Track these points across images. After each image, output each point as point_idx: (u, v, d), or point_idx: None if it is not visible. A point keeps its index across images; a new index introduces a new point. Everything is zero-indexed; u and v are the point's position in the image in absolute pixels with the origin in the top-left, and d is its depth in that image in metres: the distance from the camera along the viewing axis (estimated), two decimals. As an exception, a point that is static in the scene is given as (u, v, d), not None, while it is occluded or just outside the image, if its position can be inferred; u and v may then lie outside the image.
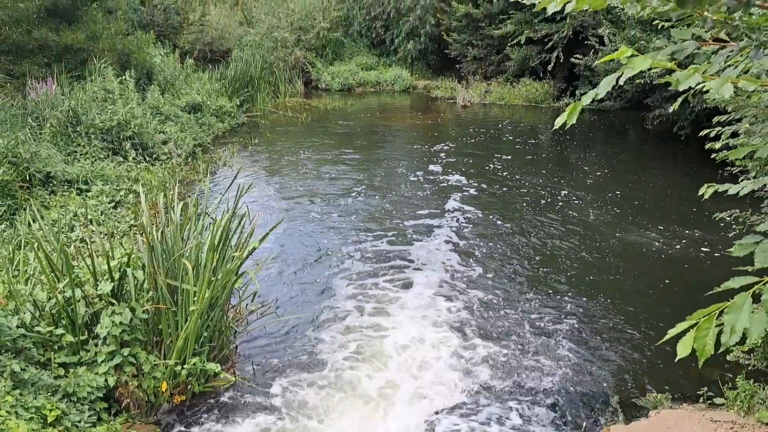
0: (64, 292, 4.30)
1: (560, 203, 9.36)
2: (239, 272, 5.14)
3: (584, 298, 6.37)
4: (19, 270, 5.21)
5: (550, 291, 6.54)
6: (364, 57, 22.89)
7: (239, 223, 5.41)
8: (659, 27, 3.12)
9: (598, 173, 11.26)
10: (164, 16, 18.97)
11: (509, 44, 18.72)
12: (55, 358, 4.12)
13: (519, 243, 7.82)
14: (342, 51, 23.14)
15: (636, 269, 7.13)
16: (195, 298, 4.44)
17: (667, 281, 6.79)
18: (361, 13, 23.24)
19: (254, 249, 5.30)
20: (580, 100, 1.91)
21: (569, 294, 6.47)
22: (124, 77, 11.16)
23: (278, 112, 16.72)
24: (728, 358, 5.13)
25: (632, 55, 1.93)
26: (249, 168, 11.15)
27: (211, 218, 5.40)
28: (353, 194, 9.72)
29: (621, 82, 2.00)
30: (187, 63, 15.73)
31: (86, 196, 7.93)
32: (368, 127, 15.24)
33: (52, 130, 9.21)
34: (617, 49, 1.94)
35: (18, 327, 4.00)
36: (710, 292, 2.29)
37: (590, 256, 7.45)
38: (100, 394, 4.13)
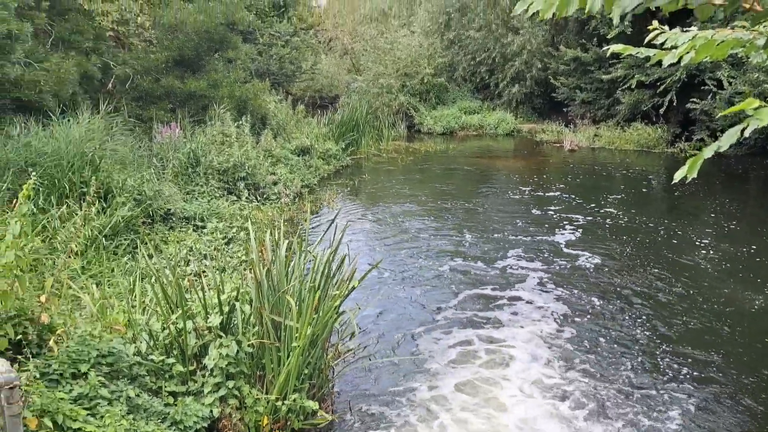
0: (177, 323, 4.51)
1: (672, 251, 8.81)
2: (339, 311, 5.20)
3: (694, 356, 5.89)
4: (137, 300, 5.55)
5: (658, 346, 6.10)
6: (467, 101, 23.04)
7: (340, 262, 5.49)
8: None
9: (717, 222, 10.54)
10: (279, 65, 20.06)
11: (620, 88, 18.21)
12: (165, 387, 4.30)
13: (630, 291, 7.41)
14: (445, 96, 23.43)
15: (753, 328, 6.53)
16: (297, 335, 4.52)
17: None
18: (465, 59, 23.50)
19: (354, 288, 5.35)
20: (694, 143, 1.81)
21: (678, 350, 6.00)
22: (240, 122, 11.88)
23: (381, 155, 17.08)
24: None
25: (759, 107, 1.80)
26: (351, 208, 11.40)
27: (313, 256, 5.52)
28: (453, 234, 9.66)
29: (747, 134, 1.88)
30: (298, 109, 16.52)
31: (202, 232, 8.38)
32: (470, 169, 15.21)
33: (174, 171, 9.89)
34: (738, 93, 1.83)
35: (134, 355, 4.23)
36: None
37: (702, 310, 6.92)
38: (205, 424, 4.24)
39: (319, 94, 25.57)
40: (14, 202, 3.96)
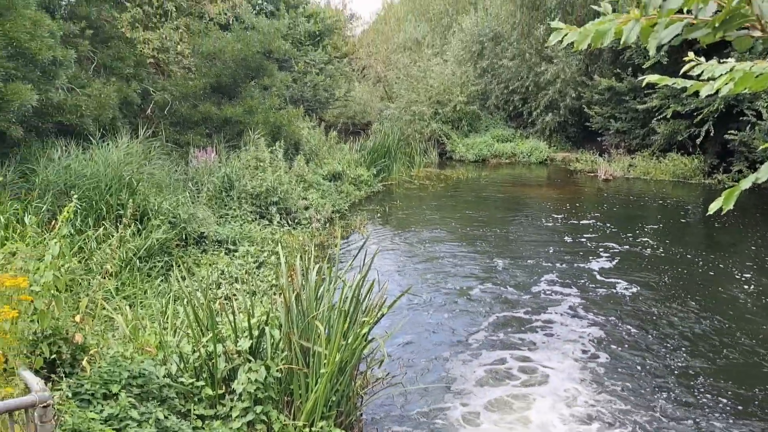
0: (207, 346, 4.53)
1: (711, 283, 8.57)
2: (368, 338, 5.16)
3: (735, 391, 5.68)
4: (169, 322, 5.60)
5: (696, 378, 5.90)
6: (500, 129, 23.03)
7: (369, 289, 5.47)
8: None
9: (757, 256, 10.24)
10: (313, 92, 20.39)
11: (655, 118, 18.00)
12: (194, 410, 4.30)
13: (668, 321, 7.21)
14: (478, 123, 23.46)
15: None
16: (325, 361, 4.49)
17: None
18: (498, 87, 23.55)
19: (383, 315, 5.32)
20: (733, 174, 1.76)
21: (717, 383, 5.80)
22: (274, 147, 12.06)
23: (412, 181, 17.10)
24: None
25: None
26: (381, 233, 11.39)
27: (342, 282, 5.52)
28: (484, 260, 9.56)
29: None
30: (331, 135, 16.72)
31: (233, 255, 8.46)
32: (502, 197, 15.12)
33: (208, 194, 10.06)
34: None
35: (164, 376, 4.25)
36: None
37: (742, 345, 6.68)
38: (232, 449, 4.23)
39: (351, 120, 25.88)
40: (53, 223, 4.06)
